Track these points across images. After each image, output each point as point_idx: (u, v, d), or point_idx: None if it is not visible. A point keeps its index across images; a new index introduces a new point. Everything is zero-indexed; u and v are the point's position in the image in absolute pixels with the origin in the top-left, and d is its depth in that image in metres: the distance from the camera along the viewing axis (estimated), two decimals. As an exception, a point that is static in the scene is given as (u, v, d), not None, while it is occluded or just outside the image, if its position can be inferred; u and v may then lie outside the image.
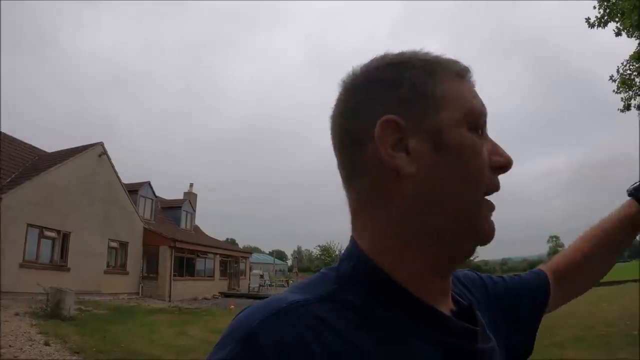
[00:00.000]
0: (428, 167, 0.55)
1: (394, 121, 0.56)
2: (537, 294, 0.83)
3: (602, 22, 10.21)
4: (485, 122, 0.61)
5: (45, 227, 15.83)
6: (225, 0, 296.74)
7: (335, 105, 0.64)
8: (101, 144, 19.48)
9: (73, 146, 19.19)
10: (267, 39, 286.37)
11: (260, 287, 28.25)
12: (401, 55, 0.61)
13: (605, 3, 10.00)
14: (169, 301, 20.00)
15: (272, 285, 32.05)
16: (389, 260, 0.57)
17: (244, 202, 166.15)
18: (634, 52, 10.18)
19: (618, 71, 10.77)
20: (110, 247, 19.47)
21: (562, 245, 73.08)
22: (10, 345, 7.59)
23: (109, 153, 19.74)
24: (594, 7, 10.22)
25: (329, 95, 0.66)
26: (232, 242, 57.60)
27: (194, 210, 29.27)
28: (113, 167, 20.01)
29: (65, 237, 16.89)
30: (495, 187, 0.59)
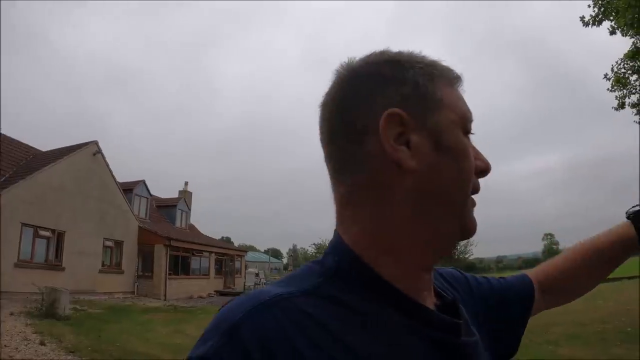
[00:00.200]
0: (428, 164, 0.57)
1: (398, 115, 0.57)
2: (522, 298, 0.84)
3: (596, 21, 10.25)
4: (471, 127, 0.63)
5: (39, 227, 15.75)
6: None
7: (328, 93, 0.63)
8: (96, 143, 19.39)
9: (68, 145, 19.11)
10: (258, 38, 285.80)
11: (256, 286, 28.18)
12: (400, 54, 0.62)
13: (600, 2, 10.04)
14: (165, 300, 19.99)
15: (268, 284, 31.78)
16: (374, 255, 0.58)
17: (239, 201, 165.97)
18: (628, 51, 10.23)
19: (612, 69, 10.82)
20: (105, 246, 19.40)
21: (556, 243, 73.51)
22: (5, 345, 7.56)
23: (104, 152, 19.68)
24: (589, 6, 10.27)
25: (322, 93, 0.66)
26: (228, 240, 57.54)
27: (189, 209, 29.22)
28: (108, 165, 19.93)
29: (60, 236, 16.81)
30: (477, 189, 0.62)
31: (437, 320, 0.58)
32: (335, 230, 0.63)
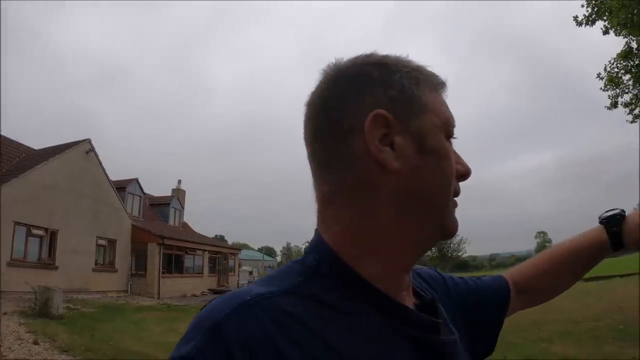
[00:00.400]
0: (411, 166, 0.58)
1: (383, 116, 0.57)
2: (498, 300, 0.86)
3: (590, 21, 10.30)
4: (453, 132, 0.64)
5: (32, 225, 15.66)
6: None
7: (314, 93, 0.64)
8: (88, 141, 19.30)
9: (61, 143, 18.99)
10: (257, 38, 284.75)
11: (250, 284, 28.13)
12: (387, 57, 0.63)
13: (594, 2, 10.09)
14: (158, 298, 19.91)
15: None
16: (356, 254, 0.58)
17: (233, 199, 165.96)
18: (621, 50, 10.31)
19: (605, 69, 10.92)
20: (98, 245, 19.32)
21: (549, 241, 73.76)
22: (-2, 345, 7.52)
23: (97, 150, 19.60)
24: (582, 6, 10.33)
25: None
26: (221, 238, 57.52)
27: (183, 207, 29.14)
28: (101, 164, 19.84)
29: (52, 235, 16.73)
30: (458, 192, 0.64)
31: (417, 319, 0.59)
32: (316, 230, 0.63)
